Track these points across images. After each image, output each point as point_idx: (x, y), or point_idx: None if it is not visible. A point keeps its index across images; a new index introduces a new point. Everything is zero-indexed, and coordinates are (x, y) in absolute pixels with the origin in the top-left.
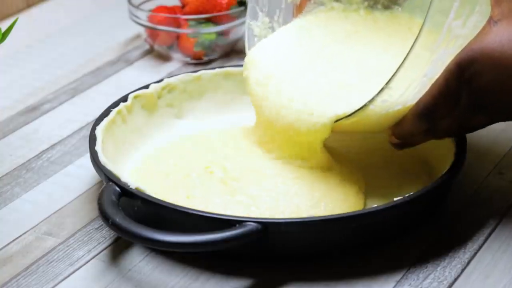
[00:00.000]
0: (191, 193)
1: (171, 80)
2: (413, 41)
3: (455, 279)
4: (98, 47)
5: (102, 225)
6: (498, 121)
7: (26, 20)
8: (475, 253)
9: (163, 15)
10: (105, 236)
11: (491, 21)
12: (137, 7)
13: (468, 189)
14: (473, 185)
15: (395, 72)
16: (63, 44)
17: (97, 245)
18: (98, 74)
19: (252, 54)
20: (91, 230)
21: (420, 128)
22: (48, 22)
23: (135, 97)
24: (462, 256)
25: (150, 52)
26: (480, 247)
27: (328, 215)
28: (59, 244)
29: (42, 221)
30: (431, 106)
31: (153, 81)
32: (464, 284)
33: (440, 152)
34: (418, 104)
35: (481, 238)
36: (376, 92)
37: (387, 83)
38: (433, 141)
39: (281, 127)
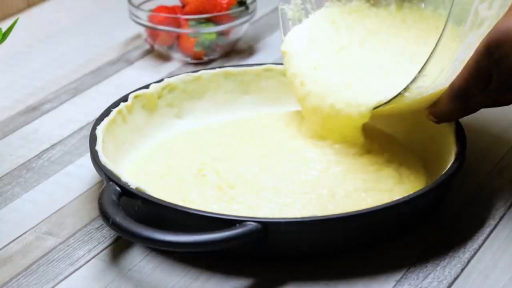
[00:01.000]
0: (187, 197)
1: (172, 80)
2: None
3: (455, 279)
4: (98, 47)
5: (102, 224)
6: None
7: (27, 20)
8: (475, 253)
9: (163, 15)
10: (105, 235)
11: None
12: (137, 7)
13: (468, 189)
14: (473, 185)
15: (427, 60)
16: (63, 44)
17: (97, 244)
18: (99, 74)
19: (289, 41)
20: (92, 230)
21: (455, 108)
22: (49, 22)
23: (136, 97)
24: (462, 255)
25: (150, 52)
26: (480, 247)
27: (328, 215)
28: (60, 244)
29: (43, 221)
30: (463, 87)
31: (153, 81)
32: (463, 283)
33: (440, 152)
34: (451, 86)
35: (481, 238)
36: (410, 80)
37: (420, 72)
38: (434, 141)
39: (325, 113)
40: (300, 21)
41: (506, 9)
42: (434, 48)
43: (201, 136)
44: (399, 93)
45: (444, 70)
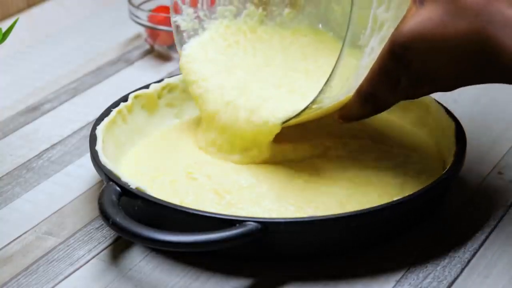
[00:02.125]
0: (184, 200)
1: (172, 80)
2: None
3: (455, 279)
4: (98, 47)
5: (102, 224)
6: (443, 91)
7: (27, 20)
8: (475, 253)
9: (163, 15)
10: (105, 235)
11: (416, 1)
12: (137, 7)
13: (468, 189)
14: (473, 185)
15: (331, 74)
16: (63, 44)
17: (97, 244)
18: (99, 74)
19: (187, 56)
20: (92, 230)
21: (365, 110)
22: (49, 22)
23: (136, 97)
24: (462, 255)
25: (150, 52)
26: (480, 247)
27: (328, 215)
28: (60, 244)
29: (43, 221)
30: (371, 91)
31: (153, 81)
32: (463, 283)
33: (440, 152)
34: (358, 91)
35: (481, 238)
36: (317, 93)
37: (325, 84)
38: (434, 141)
39: (230, 130)
40: (195, 30)
41: (404, 8)
42: (336, 63)
43: (185, 135)
44: (307, 106)
45: (349, 78)
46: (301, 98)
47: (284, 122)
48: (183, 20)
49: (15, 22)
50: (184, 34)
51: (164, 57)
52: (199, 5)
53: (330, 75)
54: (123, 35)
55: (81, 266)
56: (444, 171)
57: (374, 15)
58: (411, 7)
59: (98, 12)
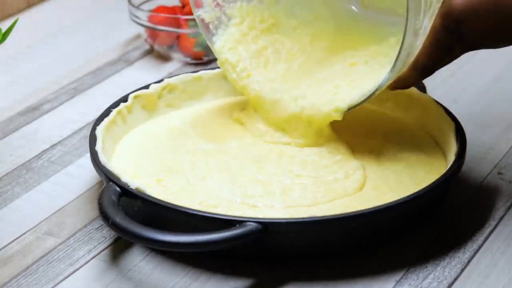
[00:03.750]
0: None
1: (171, 80)
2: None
3: (455, 279)
4: (98, 47)
5: (102, 225)
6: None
7: (27, 20)
8: (475, 253)
9: (163, 15)
10: (105, 236)
11: None
12: (137, 7)
13: (468, 189)
14: (473, 185)
15: (396, 60)
16: (63, 44)
17: (97, 245)
18: (98, 74)
19: (225, 53)
20: (91, 230)
21: (421, 78)
22: (48, 22)
23: (135, 97)
24: (461, 256)
25: (150, 52)
26: (480, 247)
27: (328, 215)
28: (59, 244)
29: (42, 221)
30: (428, 64)
31: (153, 81)
32: (463, 284)
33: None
34: (415, 66)
35: (481, 238)
36: (383, 79)
37: (391, 70)
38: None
39: (301, 118)
40: (218, 19)
41: None
42: (400, 48)
43: (158, 140)
44: (374, 92)
45: (409, 55)
46: (352, 88)
47: (349, 109)
48: (205, 12)
49: (15, 22)
50: (210, 26)
51: (164, 57)
52: None
53: (395, 61)
54: (123, 35)
55: (81, 266)
56: (444, 171)
57: None
58: None
59: (98, 12)
